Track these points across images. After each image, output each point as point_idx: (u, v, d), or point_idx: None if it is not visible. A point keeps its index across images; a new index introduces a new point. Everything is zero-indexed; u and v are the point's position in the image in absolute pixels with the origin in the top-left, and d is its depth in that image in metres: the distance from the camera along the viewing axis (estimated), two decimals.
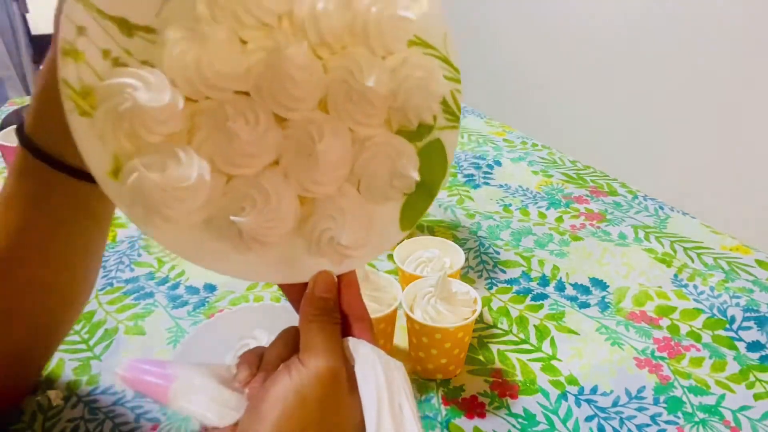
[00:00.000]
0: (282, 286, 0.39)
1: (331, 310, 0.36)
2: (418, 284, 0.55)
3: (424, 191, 0.38)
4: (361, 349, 0.34)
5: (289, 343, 0.36)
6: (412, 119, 0.37)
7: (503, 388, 0.54)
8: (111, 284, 0.69)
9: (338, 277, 0.38)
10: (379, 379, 0.33)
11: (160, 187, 0.30)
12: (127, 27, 0.31)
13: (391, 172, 0.37)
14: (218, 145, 0.32)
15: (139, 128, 0.30)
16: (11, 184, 0.42)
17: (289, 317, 0.53)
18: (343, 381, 0.33)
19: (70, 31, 0.30)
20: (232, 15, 0.32)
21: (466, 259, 0.72)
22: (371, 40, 0.35)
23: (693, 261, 0.72)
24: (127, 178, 0.30)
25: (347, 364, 0.34)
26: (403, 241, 0.59)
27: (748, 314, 0.63)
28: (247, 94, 0.33)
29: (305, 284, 0.37)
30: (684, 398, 0.53)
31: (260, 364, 0.36)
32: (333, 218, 0.35)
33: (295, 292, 0.38)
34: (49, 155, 0.40)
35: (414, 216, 0.39)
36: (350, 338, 0.35)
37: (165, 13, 0.31)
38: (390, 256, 0.70)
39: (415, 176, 0.36)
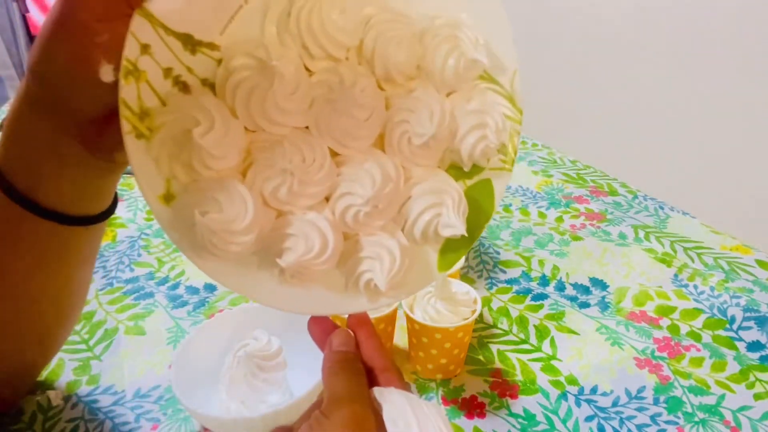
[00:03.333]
0: (309, 329, 0.38)
1: (352, 361, 0.35)
2: None
3: (465, 234, 0.37)
4: (388, 396, 0.33)
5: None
6: (467, 162, 0.36)
7: (503, 388, 0.54)
8: (111, 284, 0.69)
9: (355, 331, 0.37)
10: (410, 422, 0.31)
11: (210, 229, 0.30)
12: (191, 43, 0.31)
13: (440, 221, 0.35)
14: (271, 182, 0.32)
15: (195, 162, 0.30)
16: None
17: (289, 317, 0.53)
18: (371, 427, 0.31)
19: (134, 49, 0.29)
20: (301, 45, 0.32)
21: (466, 259, 0.72)
22: (438, 79, 0.34)
23: (693, 261, 0.72)
24: (179, 211, 0.30)
25: (375, 411, 0.33)
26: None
27: (748, 314, 0.63)
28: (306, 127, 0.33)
29: (329, 327, 0.37)
30: (684, 398, 0.53)
31: None
32: (374, 261, 0.35)
33: (319, 332, 0.38)
34: (21, 194, 0.37)
35: (452, 258, 0.38)
36: (376, 388, 0.34)
37: (230, 30, 0.31)
38: None
39: (463, 230, 0.35)
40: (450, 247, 0.37)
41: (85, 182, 0.39)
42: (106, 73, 0.31)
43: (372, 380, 0.35)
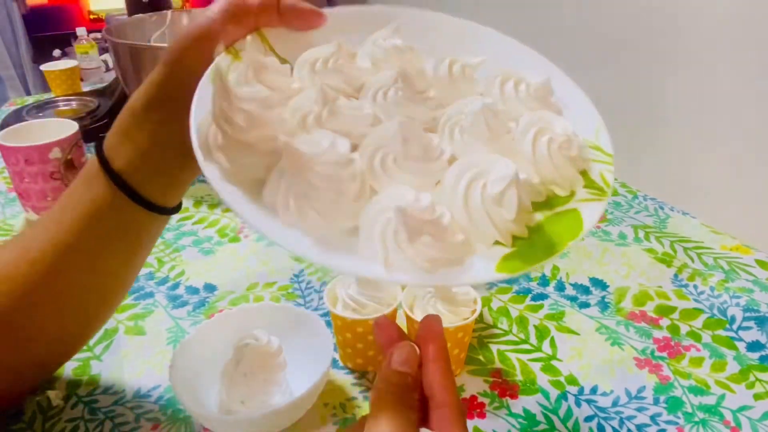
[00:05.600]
0: (375, 332, 0.35)
1: (408, 389, 0.31)
2: None
3: (544, 243, 0.32)
4: None
5: None
6: (540, 194, 0.34)
7: (503, 388, 0.54)
8: None
9: (422, 347, 0.32)
10: None
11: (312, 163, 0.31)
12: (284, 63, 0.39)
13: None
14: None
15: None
16: (75, 191, 0.42)
17: (289, 317, 0.53)
18: None
19: (241, 43, 0.39)
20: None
21: None
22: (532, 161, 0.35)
23: (693, 261, 0.72)
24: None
25: None
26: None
27: (748, 314, 0.63)
28: None
29: (394, 336, 0.33)
30: (684, 398, 0.53)
31: None
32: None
33: (383, 338, 0.34)
34: (129, 186, 0.41)
35: (516, 266, 0.31)
36: (423, 430, 0.30)
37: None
38: None
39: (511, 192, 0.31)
40: (521, 254, 0.32)
41: (180, 174, 0.44)
42: (218, 53, 0.37)
43: (425, 412, 0.31)
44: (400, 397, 0.30)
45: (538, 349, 0.58)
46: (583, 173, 0.36)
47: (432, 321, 0.33)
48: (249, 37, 0.39)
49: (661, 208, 0.85)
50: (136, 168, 0.41)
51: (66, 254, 0.42)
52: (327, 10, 0.42)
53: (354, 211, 0.31)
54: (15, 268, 0.42)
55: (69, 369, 0.56)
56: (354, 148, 0.34)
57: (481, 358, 0.57)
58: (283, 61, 0.39)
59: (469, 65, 0.41)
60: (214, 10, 0.39)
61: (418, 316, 0.51)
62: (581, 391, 0.53)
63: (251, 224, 0.30)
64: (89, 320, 0.48)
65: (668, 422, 0.50)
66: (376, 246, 0.30)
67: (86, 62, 1.55)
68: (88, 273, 0.44)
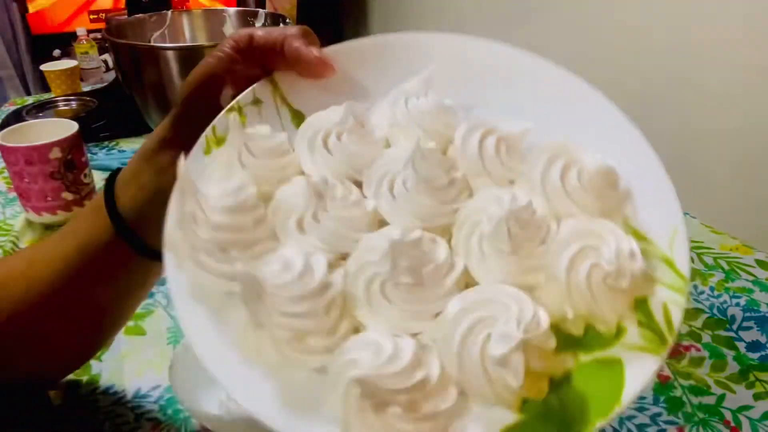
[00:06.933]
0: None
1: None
2: None
3: (561, 416, 0.25)
4: None
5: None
6: (575, 325, 0.27)
7: None
8: None
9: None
10: None
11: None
12: (299, 118, 0.35)
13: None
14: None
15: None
16: (81, 217, 0.42)
17: None
18: None
19: (247, 97, 0.35)
20: None
21: None
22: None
23: (693, 261, 0.72)
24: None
25: None
26: None
27: (748, 314, 0.63)
28: None
29: None
30: (684, 398, 0.52)
31: None
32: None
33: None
34: (131, 231, 0.39)
35: None
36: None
37: None
38: None
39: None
40: (526, 429, 0.25)
41: None
42: (224, 99, 0.36)
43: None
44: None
45: None
46: (642, 302, 0.27)
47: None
48: (258, 84, 0.35)
49: None
50: (139, 212, 0.39)
51: (60, 282, 0.41)
52: (344, 48, 0.36)
53: (325, 347, 0.27)
54: (19, 280, 0.42)
55: None
56: (345, 257, 0.29)
57: None
58: (296, 114, 0.35)
59: (507, 137, 0.32)
60: (221, 48, 0.37)
61: None
62: None
63: (203, 363, 0.28)
64: (75, 354, 0.48)
65: (668, 422, 0.50)
66: (338, 412, 0.25)
67: (86, 62, 1.55)
68: (77, 305, 0.43)
